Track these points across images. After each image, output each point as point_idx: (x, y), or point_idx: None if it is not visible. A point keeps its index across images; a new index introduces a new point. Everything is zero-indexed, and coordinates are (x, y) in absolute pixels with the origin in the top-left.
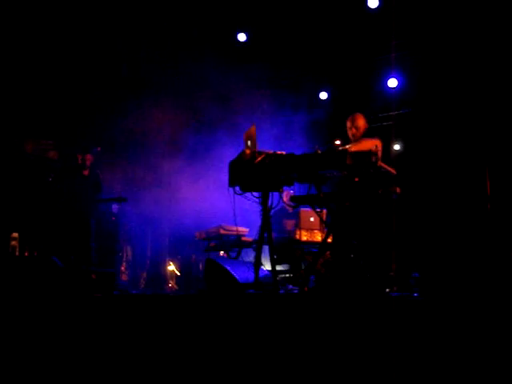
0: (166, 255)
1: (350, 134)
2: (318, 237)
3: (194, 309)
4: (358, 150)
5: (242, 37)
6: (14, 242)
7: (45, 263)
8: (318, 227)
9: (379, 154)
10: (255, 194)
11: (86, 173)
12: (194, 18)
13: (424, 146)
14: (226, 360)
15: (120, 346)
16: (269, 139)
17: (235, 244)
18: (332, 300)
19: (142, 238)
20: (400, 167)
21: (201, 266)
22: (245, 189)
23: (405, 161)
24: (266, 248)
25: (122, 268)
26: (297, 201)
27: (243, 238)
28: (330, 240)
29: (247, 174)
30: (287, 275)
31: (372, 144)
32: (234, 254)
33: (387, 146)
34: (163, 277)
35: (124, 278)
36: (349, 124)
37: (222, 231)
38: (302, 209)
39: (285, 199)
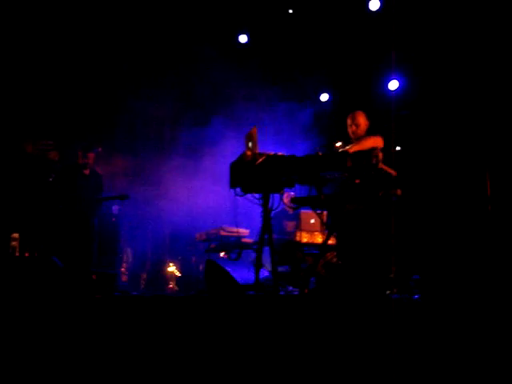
0: (166, 256)
1: (349, 131)
2: (319, 238)
3: (194, 310)
4: (358, 150)
5: (243, 38)
6: (14, 243)
7: (45, 264)
8: (318, 229)
9: (380, 154)
10: (256, 195)
11: (86, 172)
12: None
13: (424, 148)
14: (226, 361)
15: (120, 347)
16: (269, 140)
17: (236, 245)
18: (332, 302)
19: (142, 239)
20: (400, 169)
21: (201, 268)
22: (246, 190)
23: (405, 162)
24: (266, 249)
25: (122, 269)
26: (297, 202)
27: (244, 240)
28: (330, 242)
29: (248, 176)
30: (287, 277)
31: (372, 142)
32: (234, 256)
33: (388, 148)
34: (163, 278)
35: (124, 279)
36: (349, 121)
37: (222, 232)
38: (302, 210)
39: (285, 201)
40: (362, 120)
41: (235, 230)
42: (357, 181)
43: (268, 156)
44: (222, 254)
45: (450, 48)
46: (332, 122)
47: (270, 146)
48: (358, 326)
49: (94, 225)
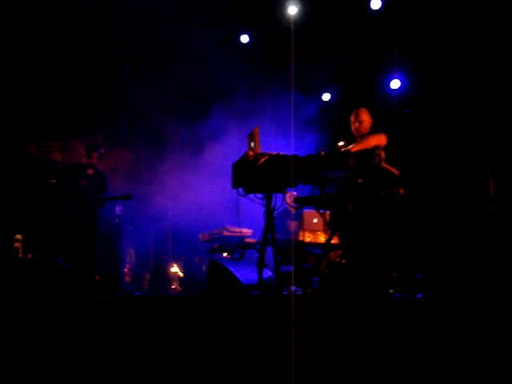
0: (169, 257)
1: (353, 128)
2: (322, 238)
3: (197, 310)
4: (361, 149)
5: (244, 38)
6: (17, 244)
7: (48, 265)
8: (321, 228)
9: (383, 153)
10: (259, 195)
11: (90, 172)
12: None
13: (427, 147)
14: (229, 361)
15: (124, 347)
16: (271, 141)
17: (239, 245)
18: (336, 301)
19: (145, 240)
20: (403, 168)
21: (204, 268)
22: (248, 190)
23: (408, 161)
24: (269, 249)
25: (126, 270)
26: (300, 202)
27: (247, 240)
28: (333, 241)
29: (251, 176)
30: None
31: (375, 140)
32: (237, 256)
33: (390, 147)
34: (166, 278)
35: (127, 279)
36: (352, 118)
37: (225, 233)
38: (305, 210)
39: (288, 200)
40: (366, 117)
41: (238, 230)
42: (359, 180)
43: (270, 156)
44: (224, 254)
45: (451, 46)
46: (334, 121)
47: (272, 146)
48: (362, 325)
49: (97, 225)
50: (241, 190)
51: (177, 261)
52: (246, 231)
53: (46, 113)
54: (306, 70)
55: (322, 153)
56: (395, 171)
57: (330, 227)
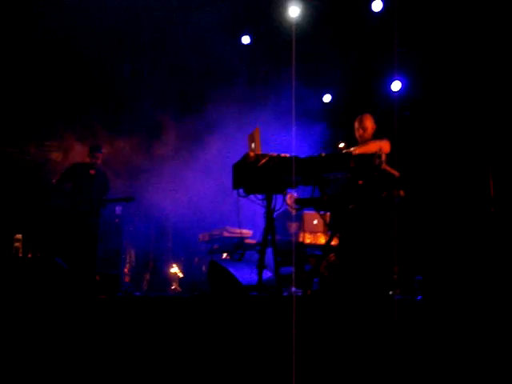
0: (169, 257)
1: (357, 134)
2: (322, 239)
3: (197, 311)
4: (362, 153)
5: (246, 39)
6: (17, 244)
7: (48, 265)
8: (321, 230)
9: (384, 156)
10: (259, 196)
11: (92, 172)
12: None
13: (427, 149)
14: (229, 362)
15: (124, 347)
16: (272, 142)
17: (238, 246)
18: (335, 303)
19: (145, 240)
20: (403, 170)
21: (204, 269)
22: (249, 191)
23: (408, 163)
24: (269, 250)
25: (125, 270)
26: (301, 203)
27: (247, 241)
28: (333, 243)
29: (251, 177)
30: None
31: (378, 146)
32: (237, 257)
33: (391, 149)
34: (166, 279)
35: (127, 279)
36: (356, 125)
37: (225, 233)
38: (305, 211)
39: (288, 202)
40: (370, 123)
41: (238, 230)
42: (360, 182)
43: (271, 157)
44: (224, 255)
45: (452, 48)
46: (334, 123)
47: (273, 148)
48: (361, 327)
49: (99, 226)
50: (241, 190)
51: (176, 261)
52: (246, 232)
53: (46, 113)
54: (308, 72)
55: (323, 154)
56: (396, 173)
57: (330, 228)
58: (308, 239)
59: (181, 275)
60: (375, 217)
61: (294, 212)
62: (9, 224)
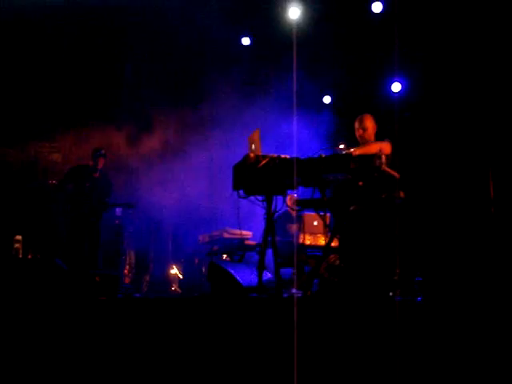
0: (168, 258)
1: (357, 134)
2: (322, 241)
3: (197, 312)
4: (362, 154)
5: (246, 41)
6: (17, 245)
7: (48, 266)
8: (321, 231)
9: (384, 157)
10: (259, 197)
11: (96, 175)
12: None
13: (427, 150)
14: (229, 363)
15: (124, 348)
16: (273, 143)
17: (239, 247)
18: (335, 304)
19: (145, 241)
20: (403, 171)
21: (204, 270)
22: (249, 192)
23: (408, 165)
24: (269, 252)
25: (125, 271)
26: (301, 204)
27: (247, 242)
28: (333, 244)
29: (251, 178)
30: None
31: (378, 147)
32: (237, 258)
33: (391, 150)
34: (166, 280)
35: (127, 281)
36: (356, 125)
37: (225, 235)
38: (305, 213)
39: (289, 203)
40: (370, 124)
41: (238, 232)
42: (360, 183)
43: (271, 158)
44: (224, 256)
45: (452, 50)
46: (335, 124)
47: (273, 149)
48: (362, 328)
49: (100, 228)
50: (241, 191)
51: (176, 262)
52: (246, 233)
53: (46, 113)
54: (307, 73)
55: (323, 155)
56: (396, 174)
57: (330, 230)
58: (308, 240)
59: (181, 276)
60: (375, 218)
61: (294, 213)
62: (9, 225)
